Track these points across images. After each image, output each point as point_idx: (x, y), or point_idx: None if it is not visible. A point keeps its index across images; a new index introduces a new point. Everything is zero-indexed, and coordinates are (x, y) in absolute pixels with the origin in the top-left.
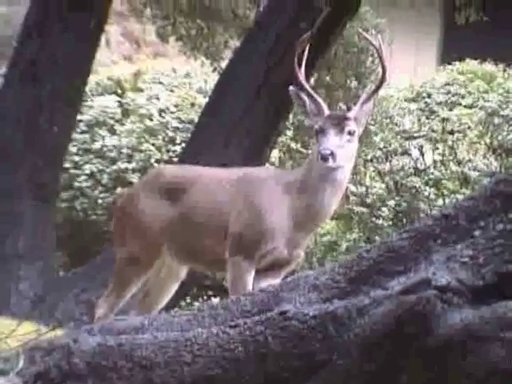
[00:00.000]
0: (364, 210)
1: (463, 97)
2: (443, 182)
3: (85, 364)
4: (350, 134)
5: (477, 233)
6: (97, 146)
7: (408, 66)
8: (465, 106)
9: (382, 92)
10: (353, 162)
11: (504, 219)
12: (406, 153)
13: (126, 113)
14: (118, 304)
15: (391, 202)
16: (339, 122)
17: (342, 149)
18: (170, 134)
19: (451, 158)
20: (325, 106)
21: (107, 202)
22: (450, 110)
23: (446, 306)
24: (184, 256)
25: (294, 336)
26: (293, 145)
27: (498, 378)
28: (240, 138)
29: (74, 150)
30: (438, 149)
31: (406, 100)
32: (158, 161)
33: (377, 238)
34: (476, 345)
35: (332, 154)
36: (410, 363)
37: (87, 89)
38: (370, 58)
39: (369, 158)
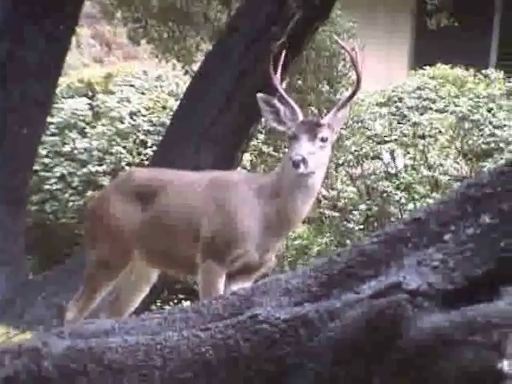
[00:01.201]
0: (335, 213)
1: (434, 101)
2: (414, 186)
3: (54, 368)
4: (323, 140)
5: (447, 237)
6: (67, 148)
7: (379, 70)
8: (436, 111)
9: None
10: (325, 169)
11: (474, 224)
12: (377, 157)
13: (96, 115)
14: (88, 307)
15: (362, 206)
16: (312, 129)
17: (314, 155)
18: (141, 136)
19: (422, 162)
20: (299, 112)
21: (78, 205)
22: (421, 114)
23: (416, 310)
24: (155, 259)
25: (265, 340)
26: (265, 148)
27: (469, 381)
28: (211, 142)
29: (44, 152)
30: (409, 153)
31: (377, 104)
32: (129, 164)
33: (348, 241)
34: (446, 349)
35: (304, 160)
36: (381, 367)
37: (58, 91)
38: (342, 62)
39: (340, 162)
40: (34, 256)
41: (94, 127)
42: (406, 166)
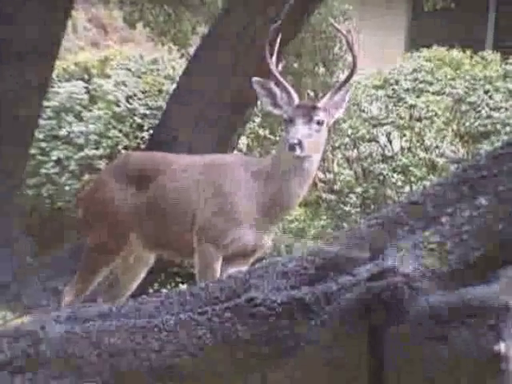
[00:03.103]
0: (332, 197)
1: (431, 83)
2: (411, 168)
3: (52, 351)
4: (319, 123)
5: (444, 219)
6: (64, 132)
7: (376, 52)
8: (432, 93)
9: None
10: (321, 152)
11: (471, 206)
12: (373, 140)
13: (93, 99)
14: (85, 291)
15: (359, 189)
16: (308, 112)
17: (310, 138)
18: (138, 120)
19: (419, 144)
20: (295, 96)
21: (74, 189)
22: (418, 96)
23: (413, 292)
24: (152, 243)
25: (261, 323)
26: (261, 131)
27: (465, 362)
28: (207, 126)
29: (40, 136)
30: (405, 136)
31: (373, 87)
32: (125, 147)
33: (345, 224)
34: (443, 330)
35: (300, 143)
36: (378, 349)
37: (54, 75)
38: (338, 45)
39: (337, 144)
40: (31, 240)
41: (90, 111)
42: (402, 149)
